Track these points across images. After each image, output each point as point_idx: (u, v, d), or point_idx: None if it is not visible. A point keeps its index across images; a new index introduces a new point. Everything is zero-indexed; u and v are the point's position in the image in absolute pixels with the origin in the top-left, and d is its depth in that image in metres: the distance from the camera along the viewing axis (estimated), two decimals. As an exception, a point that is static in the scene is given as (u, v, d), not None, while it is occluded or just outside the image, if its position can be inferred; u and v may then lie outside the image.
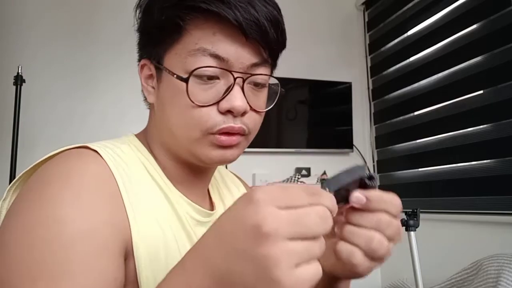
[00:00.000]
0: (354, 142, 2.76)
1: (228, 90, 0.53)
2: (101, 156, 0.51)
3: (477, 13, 2.02)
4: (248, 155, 2.58)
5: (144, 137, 0.62)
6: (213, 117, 0.53)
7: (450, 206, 2.16)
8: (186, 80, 0.52)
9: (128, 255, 0.49)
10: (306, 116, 2.72)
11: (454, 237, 2.10)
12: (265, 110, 0.60)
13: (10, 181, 1.90)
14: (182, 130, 0.55)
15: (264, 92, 0.59)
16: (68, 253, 0.42)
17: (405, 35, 2.59)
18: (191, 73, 0.52)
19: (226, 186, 0.74)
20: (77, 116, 2.35)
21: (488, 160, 1.98)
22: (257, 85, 0.56)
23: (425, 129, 2.35)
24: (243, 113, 0.54)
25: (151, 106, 0.62)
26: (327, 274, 0.48)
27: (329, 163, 2.67)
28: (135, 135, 0.63)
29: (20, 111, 1.97)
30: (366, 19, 2.95)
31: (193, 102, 0.52)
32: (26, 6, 2.37)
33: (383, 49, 2.79)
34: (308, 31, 2.82)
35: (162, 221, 0.54)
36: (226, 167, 0.80)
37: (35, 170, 0.52)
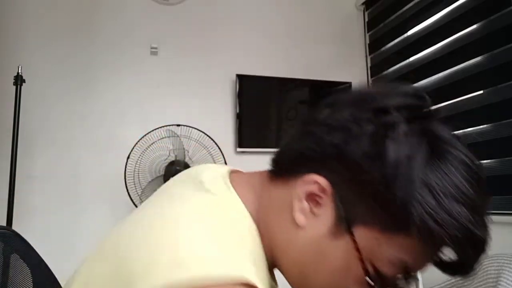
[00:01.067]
0: (354, 142, 2.76)
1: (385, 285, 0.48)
2: None
3: (477, 13, 2.02)
4: (248, 155, 2.58)
5: (257, 217, 0.51)
6: None
7: (450, 206, 2.15)
8: (373, 281, 0.46)
9: None
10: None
11: (454, 237, 2.10)
12: None
13: (10, 181, 1.90)
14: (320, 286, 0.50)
15: None
16: None
17: (405, 35, 2.59)
18: (380, 275, 0.46)
19: None
20: (77, 116, 2.35)
21: (488, 160, 1.98)
22: None
23: (425, 129, 2.35)
24: None
25: (286, 206, 0.50)
26: None
27: (329, 163, 2.67)
28: (242, 199, 0.52)
29: (20, 111, 1.97)
30: (366, 19, 2.95)
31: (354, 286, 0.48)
32: (26, 7, 2.37)
33: (383, 49, 2.79)
34: (308, 31, 2.82)
35: None
36: None
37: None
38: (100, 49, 2.44)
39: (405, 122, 0.45)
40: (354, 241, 0.45)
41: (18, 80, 1.97)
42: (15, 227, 1.94)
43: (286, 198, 0.50)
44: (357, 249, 0.45)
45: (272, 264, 0.53)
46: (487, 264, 1.59)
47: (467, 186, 0.43)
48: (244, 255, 0.43)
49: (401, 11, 2.60)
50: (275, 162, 0.54)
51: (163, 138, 2.14)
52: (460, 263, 0.46)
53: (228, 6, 2.71)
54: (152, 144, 2.13)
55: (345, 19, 2.95)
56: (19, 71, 1.98)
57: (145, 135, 2.13)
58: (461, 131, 2.10)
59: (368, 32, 2.93)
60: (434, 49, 2.31)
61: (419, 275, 1.62)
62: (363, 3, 2.91)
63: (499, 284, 1.47)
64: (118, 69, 2.46)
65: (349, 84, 2.79)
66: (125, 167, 2.08)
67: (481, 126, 2.00)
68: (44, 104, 2.31)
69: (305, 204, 0.48)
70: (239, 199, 0.51)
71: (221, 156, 2.19)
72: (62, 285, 0.64)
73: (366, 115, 0.45)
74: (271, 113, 2.63)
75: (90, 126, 2.36)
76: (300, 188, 0.48)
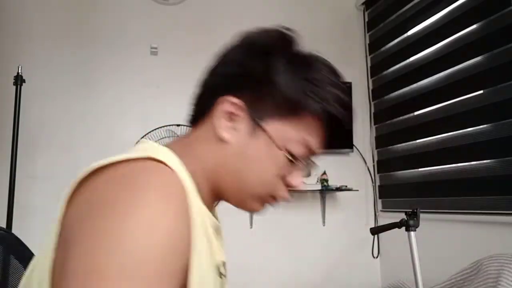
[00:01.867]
0: (354, 142, 2.76)
1: (297, 170, 0.64)
2: (174, 170, 0.52)
3: (477, 13, 2.02)
4: (248, 155, 2.58)
5: (182, 153, 0.60)
6: (281, 187, 0.64)
7: (450, 206, 2.16)
8: (292, 161, 0.61)
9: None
10: (306, 116, 2.72)
11: (454, 237, 2.10)
12: None
13: (10, 181, 1.90)
14: (254, 187, 0.62)
15: None
16: (162, 261, 0.44)
17: (405, 35, 2.59)
18: (295, 157, 0.61)
19: None
20: (77, 115, 2.35)
21: (488, 160, 1.98)
22: None
23: (425, 129, 2.35)
24: None
25: (211, 135, 0.62)
26: None
27: (329, 163, 2.67)
28: (168, 146, 0.62)
29: (20, 111, 1.97)
30: (366, 19, 2.95)
31: (279, 173, 0.61)
32: (26, 7, 2.37)
33: (383, 49, 2.79)
34: (308, 31, 2.81)
35: (200, 230, 0.56)
36: None
37: (92, 172, 0.50)
38: (100, 49, 2.44)
39: (283, 51, 0.61)
40: (269, 135, 0.60)
41: (18, 80, 1.97)
42: (15, 227, 1.94)
43: (208, 128, 0.62)
44: (273, 140, 0.59)
45: (213, 197, 0.64)
46: (487, 264, 1.59)
47: (333, 77, 0.62)
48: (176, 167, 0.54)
49: (401, 11, 2.60)
50: (190, 116, 0.67)
51: (163, 138, 2.14)
52: (339, 120, 0.62)
53: (228, 6, 2.71)
54: (152, 144, 2.13)
55: (345, 19, 2.95)
56: (19, 71, 1.99)
57: (145, 135, 2.13)
58: (461, 131, 2.11)
59: (368, 32, 2.94)
60: (434, 49, 2.31)
61: (419, 276, 1.63)
62: (363, 3, 2.91)
63: (499, 284, 1.47)
64: (118, 69, 2.46)
65: (349, 84, 2.79)
66: (125, 167, 2.08)
67: (481, 126, 2.00)
68: (44, 104, 2.31)
69: (227, 122, 0.61)
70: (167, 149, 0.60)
71: (221, 156, 2.19)
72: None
73: (257, 54, 0.61)
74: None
75: (90, 126, 2.36)
76: (219, 111, 0.61)
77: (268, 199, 0.64)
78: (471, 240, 1.98)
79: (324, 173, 2.58)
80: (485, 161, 2.00)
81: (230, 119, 0.61)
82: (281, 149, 0.60)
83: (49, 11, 2.40)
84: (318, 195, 2.70)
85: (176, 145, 0.63)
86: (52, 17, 2.40)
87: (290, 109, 0.60)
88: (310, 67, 0.62)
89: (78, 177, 0.50)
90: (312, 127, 0.61)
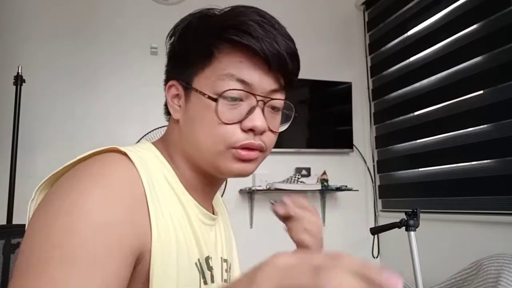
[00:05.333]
0: (354, 142, 2.76)
1: (251, 111, 0.61)
2: (130, 159, 0.57)
3: (477, 13, 2.02)
4: (248, 155, 2.58)
5: (162, 146, 0.67)
6: (236, 134, 0.60)
7: (450, 206, 2.16)
8: (216, 100, 0.59)
9: (144, 256, 0.53)
10: (306, 116, 2.72)
11: (454, 237, 2.10)
12: (280, 131, 0.67)
13: (10, 181, 1.90)
14: (208, 144, 0.61)
15: (279, 115, 0.67)
16: (83, 243, 0.46)
17: (405, 35, 2.59)
18: (220, 94, 0.59)
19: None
20: (77, 115, 2.35)
21: (488, 160, 1.98)
22: (274, 108, 0.65)
23: (425, 129, 2.35)
24: (262, 132, 0.62)
25: (173, 121, 0.68)
26: None
27: (329, 163, 2.67)
28: (152, 143, 0.68)
29: (20, 111, 1.97)
30: (366, 19, 2.96)
31: (220, 120, 0.59)
32: (26, 6, 2.37)
33: (383, 49, 2.79)
34: (308, 31, 2.82)
35: (176, 222, 0.59)
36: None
37: (63, 172, 0.56)
38: (100, 49, 2.44)
39: (189, 22, 0.66)
40: (196, 89, 0.62)
41: (18, 80, 1.97)
42: (15, 227, 1.93)
43: (172, 118, 0.67)
44: (201, 92, 0.61)
45: (198, 178, 0.66)
46: (487, 264, 1.59)
47: (231, 12, 0.65)
48: (132, 153, 0.58)
49: (401, 11, 2.61)
50: (165, 114, 0.72)
51: (163, 138, 2.14)
52: (249, 45, 0.60)
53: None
54: (152, 144, 2.13)
55: (345, 19, 2.95)
56: (19, 71, 1.98)
57: (145, 134, 2.13)
58: (461, 131, 2.11)
59: (368, 32, 2.94)
60: (434, 49, 2.32)
61: (419, 276, 1.62)
62: (363, 3, 2.91)
63: (499, 284, 1.47)
64: (118, 69, 2.46)
65: (349, 84, 2.79)
66: (125, 167, 2.08)
67: (481, 126, 2.00)
68: (44, 104, 2.31)
69: (176, 105, 0.65)
70: (150, 143, 0.68)
71: (221, 156, 2.19)
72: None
73: (172, 37, 0.69)
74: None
75: (90, 126, 2.36)
76: (168, 99, 0.66)
77: (234, 152, 0.61)
78: (471, 240, 1.98)
79: (324, 173, 2.58)
80: (485, 161, 2.00)
81: (178, 101, 0.65)
82: (212, 95, 0.60)
83: (49, 11, 2.40)
84: (318, 195, 2.70)
85: (158, 141, 0.70)
86: (52, 17, 2.40)
87: (201, 58, 0.62)
88: (210, 18, 0.64)
89: (46, 178, 0.56)
90: (232, 61, 0.60)
